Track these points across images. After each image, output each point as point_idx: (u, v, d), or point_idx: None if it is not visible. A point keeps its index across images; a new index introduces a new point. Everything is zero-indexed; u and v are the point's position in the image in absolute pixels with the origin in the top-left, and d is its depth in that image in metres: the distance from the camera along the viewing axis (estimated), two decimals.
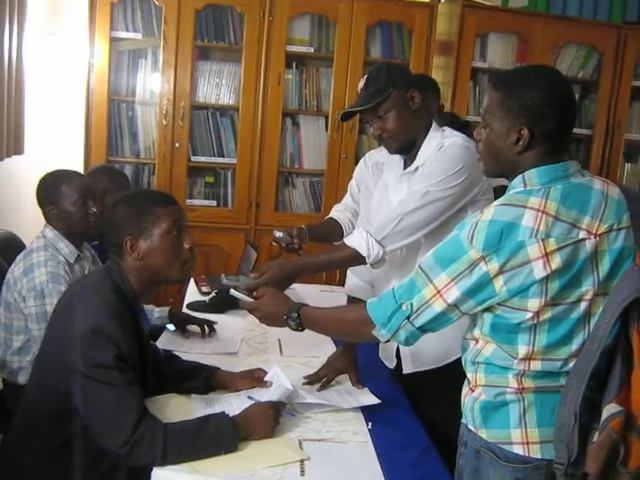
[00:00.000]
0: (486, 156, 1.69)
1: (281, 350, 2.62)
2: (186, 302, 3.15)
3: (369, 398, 2.20)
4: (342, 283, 2.71)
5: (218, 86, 4.41)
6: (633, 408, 1.44)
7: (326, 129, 4.49)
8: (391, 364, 2.41)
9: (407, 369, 2.35)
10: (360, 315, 1.73)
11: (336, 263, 2.35)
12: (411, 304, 1.62)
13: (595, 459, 1.45)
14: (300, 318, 1.89)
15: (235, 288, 2.02)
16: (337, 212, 2.72)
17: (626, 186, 1.66)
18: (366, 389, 2.27)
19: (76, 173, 2.76)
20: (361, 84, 2.23)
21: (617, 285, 1.52)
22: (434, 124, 2.29)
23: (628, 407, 1.44)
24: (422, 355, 2.28)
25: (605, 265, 1.54)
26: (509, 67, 4.48)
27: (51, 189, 2.62)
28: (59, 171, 2.69)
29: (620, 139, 4.69)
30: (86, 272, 2.66)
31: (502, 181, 1.73)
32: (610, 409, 1.44)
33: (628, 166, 4.87)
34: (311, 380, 2.30)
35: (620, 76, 4.61)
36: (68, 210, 2.60)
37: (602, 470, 1.44)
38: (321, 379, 2.30)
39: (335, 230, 2.66)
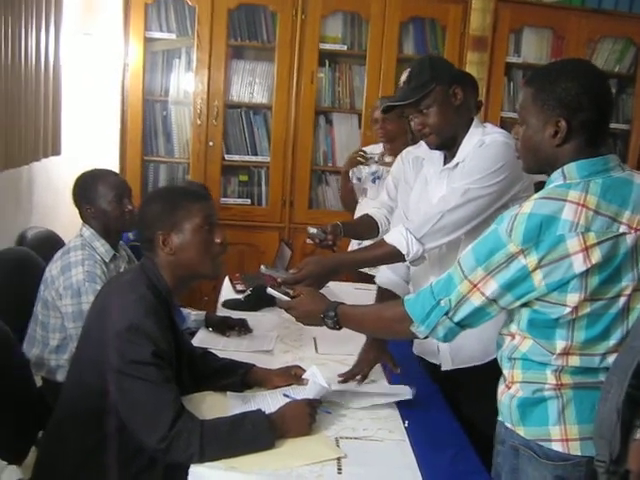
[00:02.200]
0: (524, 152, 1.67)
1: (316, 348, 2.62)
2: (221, 300, 3.17)
3: (403, 390, 2.18)
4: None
5: (251, 85, 4.44)
6: None
7: (359, 127, 4.49)
8: (436, 359, 2.39)
9: (446, 366, 2.33)
10: (398, 312, 1.72)
11: (375, 260, 2.34)
12: (449, 300, 1.61)
13: (638, 456, 1.43)
14: (337, 317, 1.88)
15: (272, 286, 2.03)
16: (373, 209, 2.71)
17: None
18: (406, 387, 2.24)
19: (111, 171, 2.79)
20: (404, 77, 2.21)
21: None
22: (475, 120, 2.26)
23: None
24: (461, 352, 2.26)
25: None
26: (544, 62, 4.45)
27: (87, 188, 2.65)
28: (94, 170, 2.72)
29: None
30: (121, 271, 2.68)
31: (542, 177, 1.71)
32: None
33: None
34: (346, 377, 2.29)
35: None
36: (104, 209, 2.63)
37: None
38: (356, 376, 2.29)
39: (371, 227, 2.65)
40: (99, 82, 4.38)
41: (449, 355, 2.31)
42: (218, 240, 1.99)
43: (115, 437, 1.83)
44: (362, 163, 3.59)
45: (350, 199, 3.78)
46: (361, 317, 1.90)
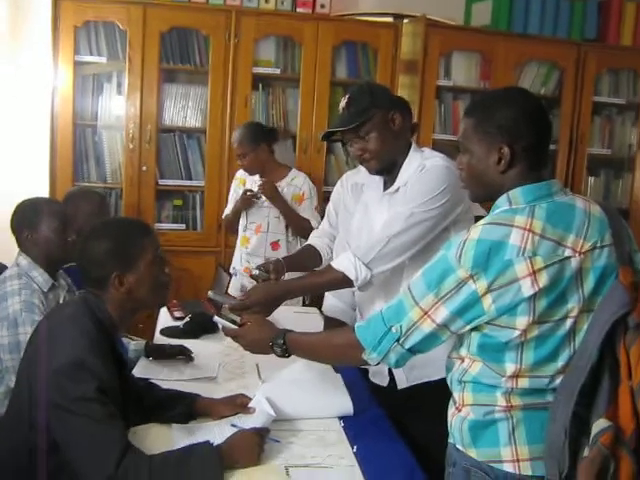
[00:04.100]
0: (470, 181, 1.71)
1: (259, 374, 2.59)
2: (159, 328, 3.10)
3: (344, 405, 2.19)
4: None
5: (185, 109, 4.39)
6: (621, 423, 1.46)
7: (294, 150, 4.49)
8: (382, 380, 2.39)
9: (401, 384, 2.33)
10: (349, 339, 1.72)
11: (323, 286, 2.34)
12: (400, 326, 1.61)
13: (586, 474, 1.46)
14: (286, 344, 1.87)
15: (219, 314, 2.00)
16: (315, 238, 2.71)
17: (606, 204, 1.68)
18: (342, 390, 2.25)
19: (56, 200, 2.74)
20: (343, 103, 2.23)
21: (602, 302, 1.53)
22: (413, 144, 2.30)
23: (617, 422, 1.45)
24: (414, 369, 2.26)
25: (590, 282, 1.55)
26: (473, 85, 4.57)
27: (30, 214, 2.58)
28: (39, 198, 2.67)
29: (583, 153, 4.77)
30: (61, 301, 2.60)
31: (480, 211, 1.74)
32: (600, 424, 1.45)
33: (592, 180, 4.94)
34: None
35: (581, 92, 4.69)
36: (47, 236, 2.56)
37: None
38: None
39: (313, 257, 2.65)
40: (28, 107, 4.28)
41: (403, 373, 2.31)
42: (167, 270, 1.97)
43: (58, 475, 1.77)
44: (255, 200, 3.86)
45: (236, 227, 4.02)
46: (311, 344, 1.89)
